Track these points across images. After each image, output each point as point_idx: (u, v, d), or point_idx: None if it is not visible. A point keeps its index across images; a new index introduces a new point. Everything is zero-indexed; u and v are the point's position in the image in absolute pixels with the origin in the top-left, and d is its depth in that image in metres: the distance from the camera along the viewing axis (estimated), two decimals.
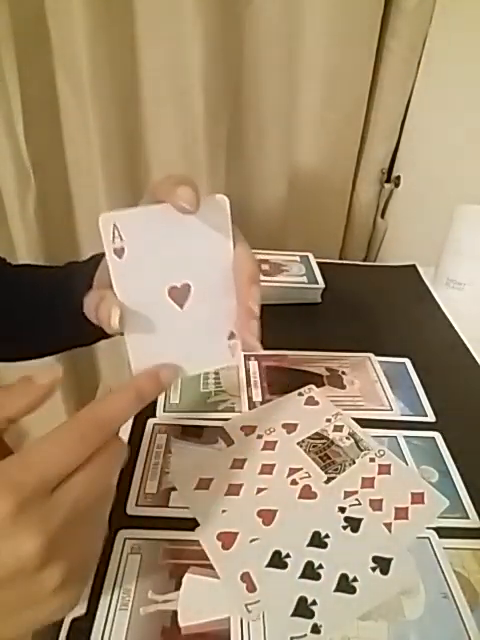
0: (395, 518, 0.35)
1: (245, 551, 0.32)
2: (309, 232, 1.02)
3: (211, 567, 0.31)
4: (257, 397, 0.46)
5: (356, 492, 0.37)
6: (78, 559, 0.23)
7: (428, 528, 0.35)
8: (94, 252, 0.92)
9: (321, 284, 0.61)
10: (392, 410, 0.46)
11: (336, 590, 0.30)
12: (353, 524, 0.34)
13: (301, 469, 0.38)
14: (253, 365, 0.50)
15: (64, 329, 0.42)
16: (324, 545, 0.33)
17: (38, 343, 0.45)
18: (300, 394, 0.46)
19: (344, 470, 0.38)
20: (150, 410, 0.43)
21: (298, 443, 0.41)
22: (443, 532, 0.35)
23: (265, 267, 0.64)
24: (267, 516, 0.35)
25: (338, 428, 0.42)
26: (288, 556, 0.32)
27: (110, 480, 0.24)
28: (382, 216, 1.06)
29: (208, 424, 0.42)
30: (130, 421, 0.42)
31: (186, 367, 0.30)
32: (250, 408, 0.44)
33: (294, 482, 0.37)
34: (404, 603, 0.31)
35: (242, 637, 0.28)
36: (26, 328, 0.43)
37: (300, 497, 0.36)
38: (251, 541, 0.33)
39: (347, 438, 0.42)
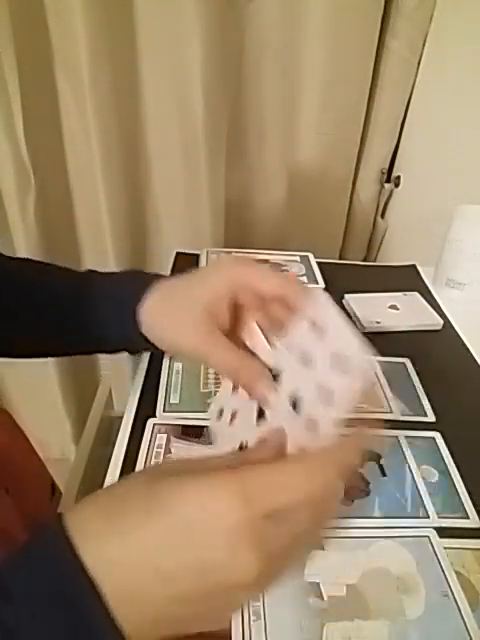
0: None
1: None
2: (309, 232, 1.02)
3: None
4: None
5: None
6: (277, 577, 0.23)
7: (428, 528, 0.35)
8: (94, 252, 0.92)
9: (321, 284, 0.61)
10: (392, 412, 0.46)
11: None
12: None
13: None
14: None
15: (75, 341, 0.41)
16: None
17: (39, 345, 0.43)
18: None
19: None
20: (150, 410, 0.43)
21: None
22: (443, 532, 0.35)
23: None
24: None
25: None
26: None
27: (323, 521, 0.25)
28: (382, 216, 1.06)
29: (208, 424, 0.42)
30: (130, 421, 0.42)
31: None
32: None
33: None
34: (405, 602, 0.31)
35: (243, 637, 0.28)
36: (27, 329, 0.41)
37: None
38: None
39: None
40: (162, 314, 0.35)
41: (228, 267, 0.34)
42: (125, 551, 0.21)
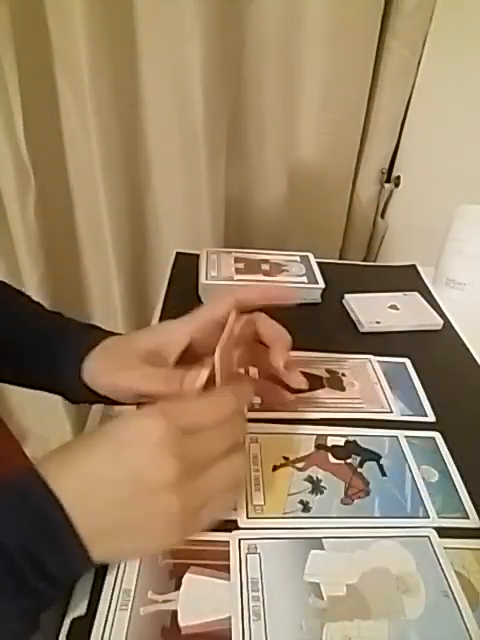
0: None
1: None
2: (309, 232, 1.02)
3: (211, 567, 0.31)
4: (256, 399, 0.45)
5: None
6: (203, 497, 0.29)
7: (428, 528, 0.35)
8: (94, 252, 0.92)
9: (321, 284, 0.61)
10: (392, 412, 0.45)
11: None
12: None
13: None
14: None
15: (25, 377, 0.42)
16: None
17: None
18: None
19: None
20: None
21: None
22: (443, 532, 0.35)
23: (265, 267, 0.64)
24: None
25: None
26: None
27: (233, 441, 0.30)
28: (382, 216, 1.06)
29: None
30: None
31: None
32: (249, 410, 0.44)
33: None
34: (405, 602, 0.31)
35: (243, 637, 0.28)
36: None
37: None
38: None
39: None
40: (103, 363, 0.37)
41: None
42: (75, 468, 0.27)
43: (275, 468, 0.39)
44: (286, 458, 0.40)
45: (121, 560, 0.31)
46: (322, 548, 0.33)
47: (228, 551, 0.32)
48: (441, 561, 0.33)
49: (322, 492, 0.37)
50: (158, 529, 0.28)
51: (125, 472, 0.27)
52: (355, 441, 0.42)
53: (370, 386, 0.49)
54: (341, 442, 0.42)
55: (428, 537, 0.35)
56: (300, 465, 0.39)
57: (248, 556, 0.32)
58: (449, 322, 0.60)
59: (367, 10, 0.82)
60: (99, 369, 0.37)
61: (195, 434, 0.28)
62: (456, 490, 0.38)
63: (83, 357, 0.37)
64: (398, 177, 0.98)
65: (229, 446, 0.30)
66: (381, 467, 0.39)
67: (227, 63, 0.82)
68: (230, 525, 0.34)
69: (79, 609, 0.29)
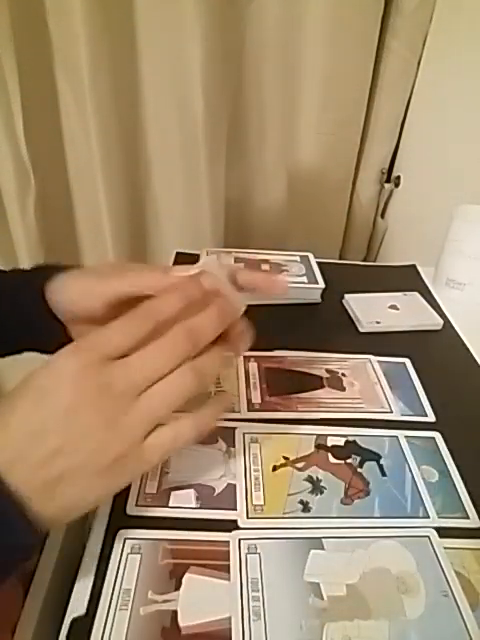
0: None
1: None
2: (309, 232, 1.02)
3: (211, 567, 0.31)
4: (256, 399, 0.45)
5: None
6: (150, 418, 0.27)
7: (428, 528, 0.35)
8: (94, 252, 0.93)
9: (321, 284, 0.61)
10: (392, 412, 0.45)
11: None
12: None
13: None
14: (252, 366, 0.50)
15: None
16: None
17: None
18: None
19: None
20: None
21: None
22: (443, 532, 0.35)
23: (265, 267, 0.64)
24: None
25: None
26: None
27: (161, 364, 0.28)
28: (382, 216, 1.06)
29: None
30: None
31: None
32: (248, 410, 0.44)
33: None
34: (405, 602, 0.31)
35: (243, 637, 0.28)
36: None
37: None
38: None
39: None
40: (74, 277, 0.36)
41: None
42: (2, 427, 0.25)
43: (275, 468, 0.39)
44: (286, 458, 0.40)
45: (81, 512, 0.27)
46: (322, 548, 0.33)
47: (228, 551, 0.32)
48: (441, 561, 0.33)
49: (322, 492, 0.37)
50: (106, 466, 0.26)
51: (50, 419, 0.25)
52: (355, 441, 0.42)
53: (370, 386, 0.49)
54: (341, 442, 0.42)
55: (428, 537, 0.35)
56: (300, 465, 0.39)
57: (248, 556, 0.32)
58: (449, 322, 0.60)
59: (367, 10, 0.82)
60: (69, 282, 0.35)
61: (124, 358, 0.27)
62: (456, 490, 0.38)
63: (45, 280, 0.35)
64: (398, 177, 0.98)
65: (174, 360, 0.28)
66: (381, 467, 0.39)
67: (227, 63, 0.82)
68: (230, 525, 0.34)
69: (79, 609, 0.29)
